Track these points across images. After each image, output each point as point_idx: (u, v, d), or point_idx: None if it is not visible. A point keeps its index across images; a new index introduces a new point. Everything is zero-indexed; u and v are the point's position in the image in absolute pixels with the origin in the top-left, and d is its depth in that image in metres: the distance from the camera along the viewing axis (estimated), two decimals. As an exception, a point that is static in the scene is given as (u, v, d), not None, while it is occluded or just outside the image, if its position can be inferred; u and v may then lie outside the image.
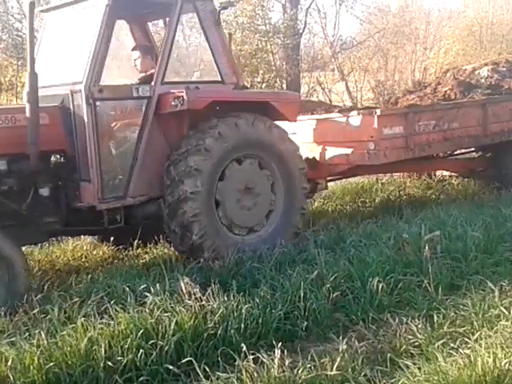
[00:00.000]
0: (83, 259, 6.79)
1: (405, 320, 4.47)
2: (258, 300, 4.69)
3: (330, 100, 20.05)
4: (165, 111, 6.15)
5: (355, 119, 7.63)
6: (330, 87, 21.92)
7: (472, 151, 10.14)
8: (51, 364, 3.68)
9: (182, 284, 4.75)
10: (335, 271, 5.21)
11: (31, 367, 3.65)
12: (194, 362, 3.79)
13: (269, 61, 19.90)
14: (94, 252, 7.03)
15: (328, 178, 8.30)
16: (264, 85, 19.44)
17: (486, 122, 8.74)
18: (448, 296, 5.01)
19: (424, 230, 5.85)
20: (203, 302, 4.52)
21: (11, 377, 3.63)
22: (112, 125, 6.13)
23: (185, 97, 5.98)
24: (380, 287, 4.94)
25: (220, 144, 6.14)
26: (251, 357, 3.76)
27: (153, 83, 6.15)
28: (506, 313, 4.26)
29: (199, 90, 6.33)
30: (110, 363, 3.76)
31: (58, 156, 6.09)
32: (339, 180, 9.49)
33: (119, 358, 3.81)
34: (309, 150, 7.95)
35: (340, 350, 3.95)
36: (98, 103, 5.82)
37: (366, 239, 6.25)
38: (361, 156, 7.56)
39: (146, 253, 6.93)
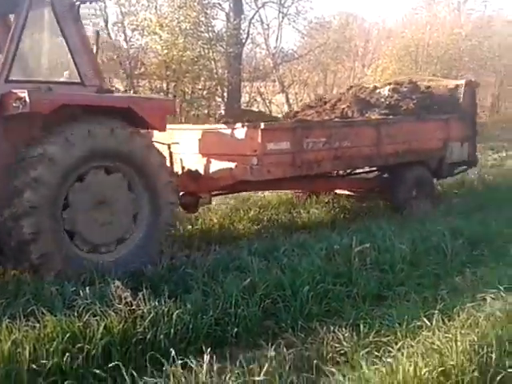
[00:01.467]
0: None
1: (332, 328, 4.58)
2: (189, 306, 4.70)
3: (270, 111, 20.27)
4: (7, 113, 5.58)
5: (239, 132, 7.25)
6: (271, 98, 22.17)
7: (374, 171, 10.11)
8: (-29, 367, 3.57)
9: (113, 288, 4.71)
10: (267, 279, 5.28)
11: (-50, 369, 3.53)
12: (121, 366, 3.75)
13: (211, 69, 19.94)
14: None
15: (213, 193, 7.96)
16: (205, 92, 19.48)
17: (380, 143, 8.58)
18: (375, 306, 5.20)
19: (355, 241, 6.00)
20: (133, 307, 4.48)
21: None
22: None
23: (27, 98, 5.41)
24: (310, 296, 5.05)
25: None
26: (179, 362, 3.76)
27: None
28: (428, 323, 4.42)
29: (50, 91, 5.75)
30: (34, 366, 3.68)
31: None
32: (227, 195, 9.12)
33: (44, 362, 3.74)
34: (193, 161, 7.62)
35: (268, 356, 4.00)
36: None
37: (299, 249, 6.36)
38: (243, 171, 7.16)
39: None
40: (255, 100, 21.40)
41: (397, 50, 23.84)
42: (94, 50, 6.52)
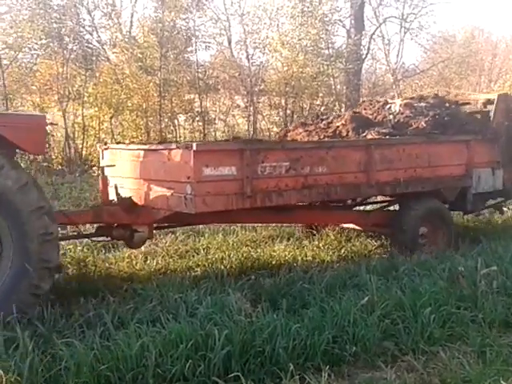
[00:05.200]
0: (137, 268, 6.92)
1: (456, 354, 4.39)
2: (306, 321, 4.69)
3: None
4: None
5: (175, 153, 6.06)
6: (390, 114, 21.79)
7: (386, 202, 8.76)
8: (103, 367, 3.77)
9: (234, 299, 4.82)
10: (386, 299, 5.16)
11: (84, 368, 3.74)
12: (241, 377, 3.81)
13: (329, 85, 20.02)
14: (148, 262, 7.16)
15: (155, 225, 6.85)
16: (323, 108, 19.55)
17: (370, 169, 7.05)
18: (502, 333, 4.92)
19: (480, 264, 5.73)
20: (253, 319, 4.55)
21: (64, 376, 3.73)
22: None
23: None
24: (432, 319, 4.87)
25: None
26: (297, 377, 3.77)
27: None
28: None
29: None
30: (159, 371, 3.82)
31: None
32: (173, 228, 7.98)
33: (168, 367, 3.87)
34: (128, 187, 6.66)
35: (388, 378, 3.91)
36: None
37: (420, 269, 6.17)
38: (178, 201, 6.00)
39: (198, 265, 7.04)
40: (374, 116, 21.14)
41: (527, 63, 22.65)
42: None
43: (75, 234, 6.84)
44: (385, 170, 7.20)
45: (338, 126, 8.17)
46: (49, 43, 17.76)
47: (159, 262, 7.16)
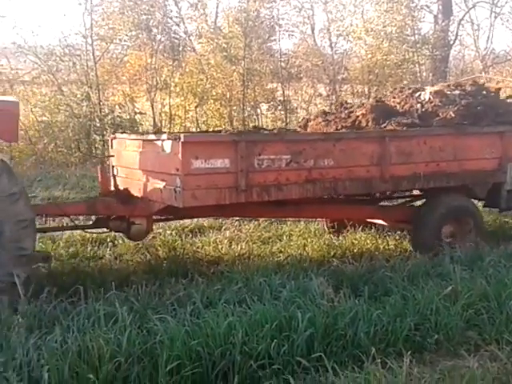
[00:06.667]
0: (223, 252, 7.18)
1: (543, 346, 4.33)
2: (388, 308, 4.76)
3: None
4: None
5: (166, 144, 5.86)
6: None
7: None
8: (194, 342, 3.99)
9: (316, 284, 4.96)
10: (470, 289, 5.13)
11: (176, 343, 3.98)
12: (324, 357, 3.95)
13: (415, 72, 19.63)
14: (232, 246, 7.42)
15: (154, 218, 6.63)
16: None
17: (384, 162, 6.62)
18: None
19: None
20: (335, 303, 4.67)
21: (158, 349, 3.99)
22: None
23: None
24: (517, 310, 4.82)
25: None
26: (379, 361, 3.86)
27: None
28: None
29: None
30: (246, 348, 4.01)
31: None
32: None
33: (254, 345, 4.05)
34: (134, 178, 6.53)
35: (470, 367, 3.93)
36: None
37: (507, 260, 6.06)
38: (169, 194, 5.80)
39: (281, 251, 7.22)
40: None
41: None
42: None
43: (73, 225, 6.69)
44: (402, 163, 6.76)
45: (357, 116, 7.65)
46: (138, 35, 18.43)
47: (243, 247, 7.39)
